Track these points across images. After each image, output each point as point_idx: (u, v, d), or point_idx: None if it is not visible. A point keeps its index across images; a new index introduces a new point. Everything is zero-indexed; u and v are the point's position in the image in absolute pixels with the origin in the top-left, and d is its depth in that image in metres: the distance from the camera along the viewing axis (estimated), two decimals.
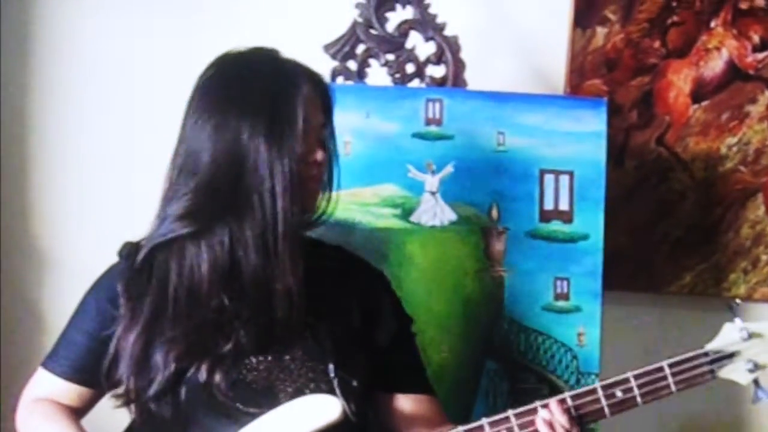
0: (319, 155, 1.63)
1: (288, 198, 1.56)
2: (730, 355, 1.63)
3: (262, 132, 1.55)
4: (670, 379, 1.61)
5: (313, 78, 1.65)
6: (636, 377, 1.61)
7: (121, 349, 1.60)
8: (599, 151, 2.18)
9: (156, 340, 1.58)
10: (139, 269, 1.62)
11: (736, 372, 1.63)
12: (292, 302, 1.58)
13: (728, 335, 1.64)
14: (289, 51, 1.67)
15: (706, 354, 1.63)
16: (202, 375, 1.56)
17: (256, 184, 1.55)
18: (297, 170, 1.57)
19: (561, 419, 1.59)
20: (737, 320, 1.63)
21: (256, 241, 1.56)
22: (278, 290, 1.57)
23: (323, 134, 1.67)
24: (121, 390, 1.62)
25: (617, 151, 2.47)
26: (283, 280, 1.57)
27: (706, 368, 1.62)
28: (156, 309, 1.59)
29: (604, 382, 1.62)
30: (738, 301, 1.66)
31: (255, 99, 1.57)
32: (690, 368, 1.62)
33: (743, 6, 2.48)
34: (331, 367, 1.60)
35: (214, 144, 1.56)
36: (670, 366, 1.61)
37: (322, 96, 1.67)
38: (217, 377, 1.56)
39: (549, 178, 2.18)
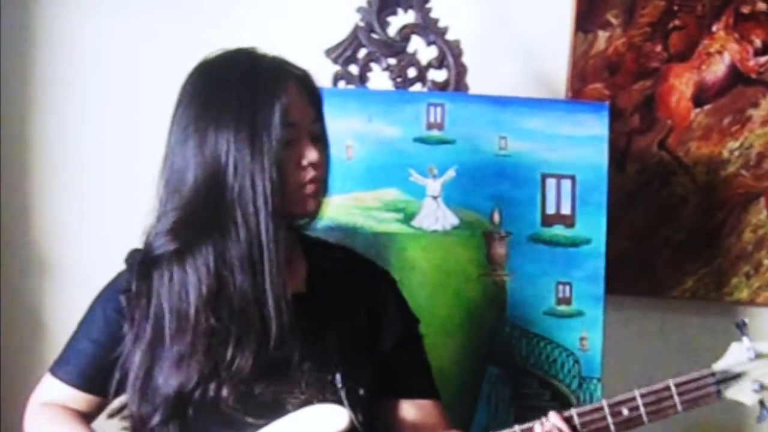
0: (312, 155, 1.59)
1: (271, 213, 1.53)
2: (737, 376, 1.63)
3: (242, 148, 1.52)
4: (676, 399, 1.61)
5: (294, 74, 1.61)
6: (642, 396, 1.61)
7: (127, 372, 1.60)
8: (601, 156, 2.17)
9: (156, 366, 1.57)
10: (137, 291, 1.60)
11: (742, 393, 1.63)
12: (282, 319, 1.55)
13: (735, 355, 1.64)
14: (290, 55, 1.65)
15: (713, 374, 1.63)
16: (209, 393, 1.55)
17: (239, 201, 1.53)
18: (285, 180, 1.55)
19: (558, 423, 1.60)
20: (745, 339, 1.63)
21: (241, 260, 1.54)
22: (268, 307, 1.55)
23: (315, 130, 1.63)
24: (127, 412, 1.62)
25: (619, 156, 2.47)
26: (272, 296, 1.55)
27: (712, 388, 1.62)
28: (154, 337, 1.58)
29: (611, 400, 1.62)
30: (746, 320, 1.65)
31: (232, 112, 1.54)
32: (696, 388, 1.62)
33: (745, 10, 2.48)
34: (338, 377, 1.59)
35: (195, 162, 1.54)
36: (677, 385, 1.62)
37: (308, 91, 1.63)
38: (225, 392, 1.55)
39: (551, 183, 2.17)
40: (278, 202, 1.54)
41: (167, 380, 1.55)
